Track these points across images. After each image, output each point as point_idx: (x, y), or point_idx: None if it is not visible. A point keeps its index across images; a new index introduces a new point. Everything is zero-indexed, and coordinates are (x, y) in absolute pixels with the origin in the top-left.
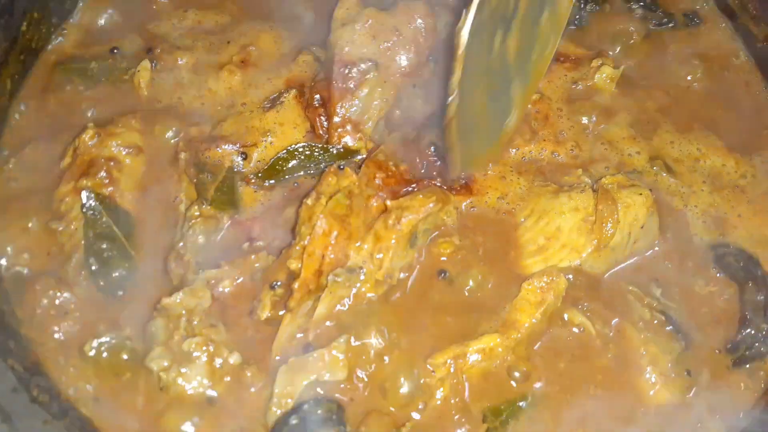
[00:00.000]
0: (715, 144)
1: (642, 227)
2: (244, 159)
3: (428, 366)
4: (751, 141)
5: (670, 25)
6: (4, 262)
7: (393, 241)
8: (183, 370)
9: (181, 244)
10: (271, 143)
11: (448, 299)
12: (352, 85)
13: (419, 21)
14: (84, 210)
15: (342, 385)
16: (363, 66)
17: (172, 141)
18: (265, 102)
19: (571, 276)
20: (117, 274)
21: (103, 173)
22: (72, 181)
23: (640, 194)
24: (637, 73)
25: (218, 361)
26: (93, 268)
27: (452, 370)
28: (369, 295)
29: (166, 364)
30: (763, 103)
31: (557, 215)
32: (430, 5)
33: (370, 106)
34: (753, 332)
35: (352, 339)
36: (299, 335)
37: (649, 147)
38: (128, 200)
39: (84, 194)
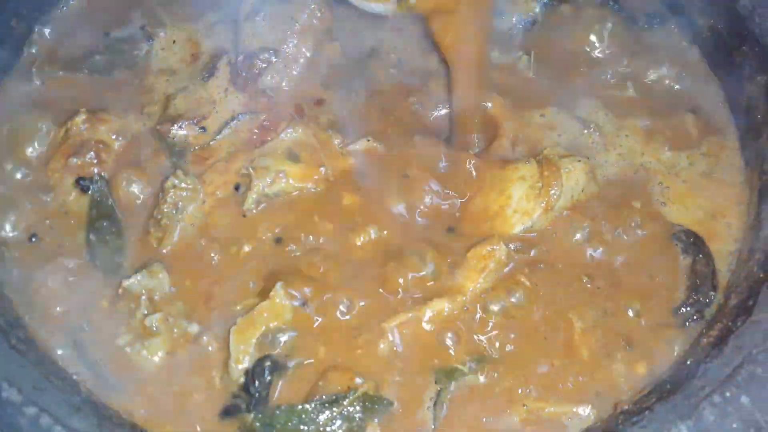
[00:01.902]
0: None
1: (582, 191)
2: (203, 131)
3: (383, 326)
4: None
5: None
6: None
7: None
8: (147, 343)
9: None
10: (217, 112)
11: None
12: (256, 72)
13: (312, 6)
14: (92, 190)
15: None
16: (265, 55)
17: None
18: (203, 72)
19: (519, 244)
20: (111, 249)
21: (92, 154)
22: (62, 159)
23: (579, 161)
24: None
25: (177, 332)
26: (92, 240)
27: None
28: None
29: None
30: None
31: (508, 184)
32: None
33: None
34: (700, 299)
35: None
36: None
37: None
38: (115, 180)
39: (95, 173)
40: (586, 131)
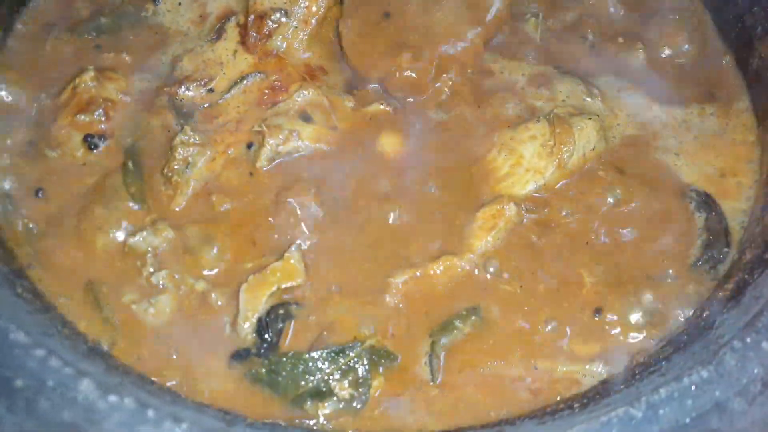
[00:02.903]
0: None
1: (593, 149)
2: (212, 92)
3: (390, 281)
4: None
5: None
6: None
7: None
8: (153, 300)
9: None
10: (224, 74)
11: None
12: (266, 33)
13: None
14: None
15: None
16: (276, 15)
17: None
18: (211, 34)
19: (531, 204)
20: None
21: (100, 111)
22: (69, 116)
23: (590, 119)
24: None
25: (184, 289)
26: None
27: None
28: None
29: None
30: None
31: (518, 144)
32: None
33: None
34: (716, 255)
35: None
36: None
37: None
38: (122, 136)
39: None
40: (590, 98)
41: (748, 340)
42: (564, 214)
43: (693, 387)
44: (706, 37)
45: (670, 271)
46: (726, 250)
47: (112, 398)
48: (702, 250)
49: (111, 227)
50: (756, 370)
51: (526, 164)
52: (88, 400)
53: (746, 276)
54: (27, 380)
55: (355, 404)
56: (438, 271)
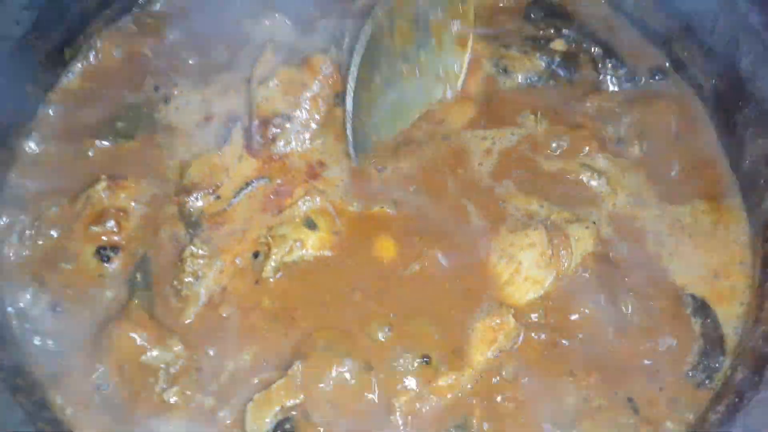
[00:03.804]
0: None
1: (590, 251)
2: (218, 199)
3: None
4: None
5: None
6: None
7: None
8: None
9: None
10: (230, 179)
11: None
12: (270, 137)
13: (325, 71)
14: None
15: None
16: (278, 120)
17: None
18: (217, 137)
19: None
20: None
21: (112, 222)
22: (83, 227)
23: (587, 227)
24: None
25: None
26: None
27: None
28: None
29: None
30: None
31: (518, 250)
32: (333, 56)
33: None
34: (711, 364)
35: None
36: None
37: None
38: (133, 247)
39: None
40: (593, 182)
41: None
42: (561, 323)
43: None
44: (700, 135)
45: (667, 379)
46: (721, 357)
47: None
48: (698, 357)
49: (124, 343)
50: None
51: (525, 272)
52: None
53: (737, 400)
54: None
55: None
56: (440, 388)
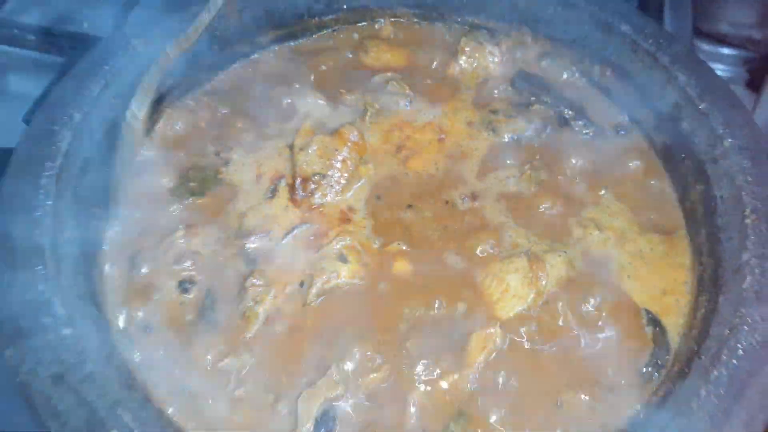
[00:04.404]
0: None
1: (565, 275)
2: (270, 241)
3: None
4: None
5: None
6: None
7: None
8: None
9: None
10: (278, 225)
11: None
12: (310, 191)
13: (352, 138)
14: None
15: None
16: (316, 177)
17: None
18: (267, 193)
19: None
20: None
21: (189, 263)
22: (167, 265)
23: (560, 255)
24: None
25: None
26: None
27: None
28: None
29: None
30: None
31: (506, 274)
32: (357, 126)
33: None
34: (659, 362)
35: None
36: None
37: None
38: (204, 280)
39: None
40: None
41: None
42: (538, 333)
43: None
44: (655, 180)
45: (626, 376)
46: (666, 357)
47: None
48: (650, 358)
49: (203, 354)
50: None
51: (513, 291)
52: None
53: (672, 386)
54: None
55: None
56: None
